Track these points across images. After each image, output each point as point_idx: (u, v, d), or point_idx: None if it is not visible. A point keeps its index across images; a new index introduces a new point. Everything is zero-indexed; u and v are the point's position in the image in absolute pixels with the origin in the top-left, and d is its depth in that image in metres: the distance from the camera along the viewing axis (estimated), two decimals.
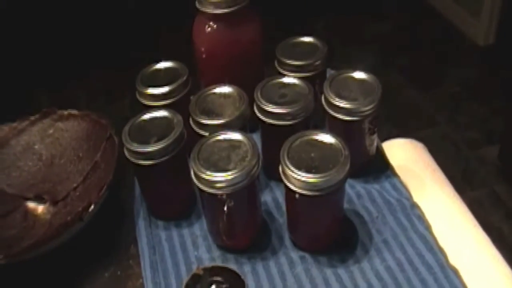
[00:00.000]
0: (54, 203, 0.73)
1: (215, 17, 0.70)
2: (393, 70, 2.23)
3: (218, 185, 0.56)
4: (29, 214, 0.73)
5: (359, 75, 0.68)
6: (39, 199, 0.75)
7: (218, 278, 0.59)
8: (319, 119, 0.68)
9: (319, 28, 2.47)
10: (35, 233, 0.70)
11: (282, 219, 0.67)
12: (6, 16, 2.34)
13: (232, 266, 0.61)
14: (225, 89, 0.68)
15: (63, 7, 2.47)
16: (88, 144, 0.78)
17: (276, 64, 0.74)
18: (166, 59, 0.75)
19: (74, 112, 0.80)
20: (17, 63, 2.34)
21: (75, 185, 0.74)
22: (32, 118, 0.80)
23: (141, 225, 0.69)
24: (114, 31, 2.58)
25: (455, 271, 0.60)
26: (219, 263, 0.63)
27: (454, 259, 0.62)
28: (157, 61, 0.75)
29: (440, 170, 0.82)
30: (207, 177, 0.56)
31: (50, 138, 0.80)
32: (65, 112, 0.80)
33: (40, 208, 0.74)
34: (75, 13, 2.55)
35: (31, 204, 0.74)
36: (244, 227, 0.64)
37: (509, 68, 2.10)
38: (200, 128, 0.65)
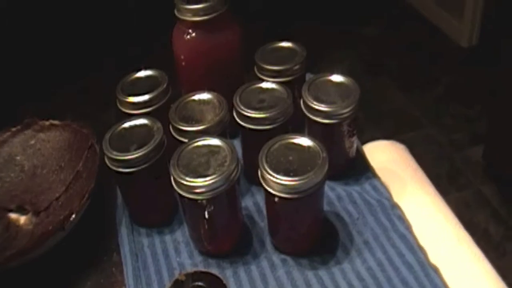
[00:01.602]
0: (37, 213, 0.73)
1: (194, 25, 0.71)
2: (377, 73, 2.25)
3: (198, 190, 0.56)
4: (11, 225, 0.73)
5: (337, 78, 0.69)
6: (21, 210, 0.74)
7: (200, 283, 0.59)
8: (299, 123, 0.68)
9: (303, 33, 2.47)
10: (17, 243, 0.69)
11: (263, 223, 0.67)
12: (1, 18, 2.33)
13: (214, 271, 0.62)
14: (205, 96, 0.69)
15: (57, 11, 2.47)
16: (70, 153, 0.78)
17: (255, 70, 0.75)
18: (146, 68, 0.75)
19: (56, 122, 0.80)
20: (5, 68, 2.32)
21: (57, 195, 0.74)
22: (14, 129, 0.80)
23: (124, 232, 0.69)
24: (102, 40, 2.58)
25: (436, 270, 0.61)
26: (201, 268, 0.64)
27: (434, 258, 0.63)
28: (138, 70, 0.75)
29: (421, 170, 0.82)
30: (186, 183, 0.56)
31: (32, 149, 0.80)
32: (47, 123, 0.80)
33: (23, 219, 0.74)
34: (67, 18, 2.55)
35: (13, 215, 0.74)
36: (225, 232, 0.64)
37: (492, 69, 2.12)
38: (180, 135, 0.65)
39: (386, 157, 0.84)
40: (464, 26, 2.28)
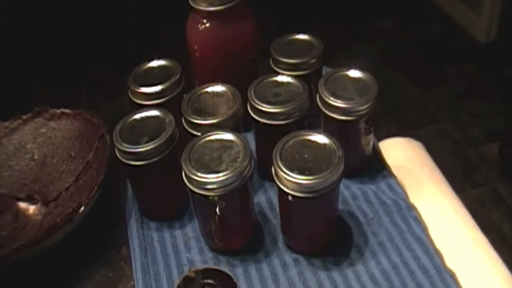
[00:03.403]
0: (46, 203, 0.72)
1: (209, 15, 0.69)
2: (394, 67, 2.22)
3: (209, 186, 0.55)
4: (20, 215, 0.72)
5: (354, 73, 0.67)
6: (30, 199, 0.73)
7: (210, 281, 0.58)
8: (314, 118, 0.67)
9: (320, 25, 2.45)
10: (26, 234, 0.69)
11: (276, 220, 0.66)
12: (5, 15, 2.33)
13: (225, 268, 0.61)
14: (218, 88, 0.67)
15: (63, 5, 2.47)
16: (81, 143, 0.77)
17: (271, 62, 0.73)
18: (159, 57, 0.74)
19: (67, 111, 0.79)
20: (17, 60, 2.33)
21: (67, 185, 0.73)
22: (24, 117, 0.79)
23: (133, 226, 0.68)
24: (116, 27, 2.57)
25: (452, 274, 0.59)
26: (211, 265, 0.62)
27: (451, 262, 0.61)
28: (150, 59, 0.74)
29: (438, 169, 0.80)
30: (198, 179, 0.55)
31: (42, 137, 0.79)
32: (58, 111, 0.79)
33: (32, 209, 0.73)
34: (78, 10, 2.55)
35: (22, 204, 0.73)
36: (236, 229, 0.63)
37: (510, 65, 2.08)
38: (193, 128, 0.64)
39: (403, 155, 0.82)
40: (482, 21, 2.24)
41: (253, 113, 0.64)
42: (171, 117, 0.63)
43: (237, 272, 0.61)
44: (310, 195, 0.54)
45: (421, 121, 1.95)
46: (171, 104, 0.68)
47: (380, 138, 0.84)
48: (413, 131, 1.85)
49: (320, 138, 0.58)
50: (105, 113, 0.79)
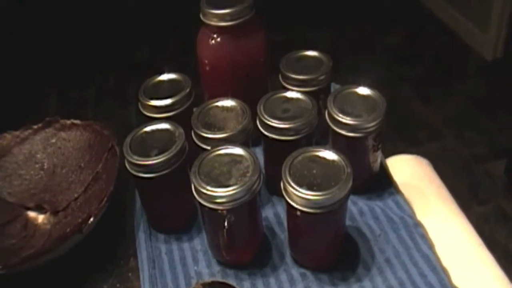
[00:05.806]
0: (55, 213, 0.73)
1: (219, 30, 0.70)
2: (400, 83, 2.23)
3: (219, 200, 0.55)
4: (29, 224, 0.73)
5: (363, 90, 0.67)
6: (39, 208, 0.74)
7: None
8: (323, 134, 0.67)
9: (326, 40, 2.46)
10: (34, 243, 0.69)
11: (283, 235, 0.66)
12: (10, 19, 2.35)
13: (232, 282, 0.61)
14: (228, 103, 0.68)
15: (75, 13, 2.49)
16: (90, 154, 0.77)
17: (280, 78, 0.74)
18: (169, 71, 0.75)
19: (77, 121, 0.80)
20: (24, 68, 2.35)
21: (76, 195, 0.74)
22: (35, 127, 0.80)
23: (141, 237, 0.68)
24: (126, 38, 2.59)
25: None
26: (218, 278, 0.63)
27: (457, 279, 0.61)
28: (161, 73, 0.75)
29: (445, 187, 0.81)
30: (207, 192, 0.55)
31: (52, 148, 0.80)
32: (68, 122, 0.80)
33: (41, 218, 0.73)
34: (89, 16, 2.57)
35: (31, 214, 0.74)
36: (244, 243, 0.63)
37: None
38: (202, 142, 0.64)
39: (410, 172, 0.83)
40: (489, 38, 2.25)
41: (262, 128, 0.65)
42: (181, 130, 0.64)
43: (245, 286, 0.62)
44: (318, 211, 0.54)
45: (427, 137, 1.95)
46: (181, 117, 0.69)
47: (386, 154, 0.84)
48: (418, 148, 1.85)
49: (329, 154, 0.58)
50: (112, 122, 0.80)
